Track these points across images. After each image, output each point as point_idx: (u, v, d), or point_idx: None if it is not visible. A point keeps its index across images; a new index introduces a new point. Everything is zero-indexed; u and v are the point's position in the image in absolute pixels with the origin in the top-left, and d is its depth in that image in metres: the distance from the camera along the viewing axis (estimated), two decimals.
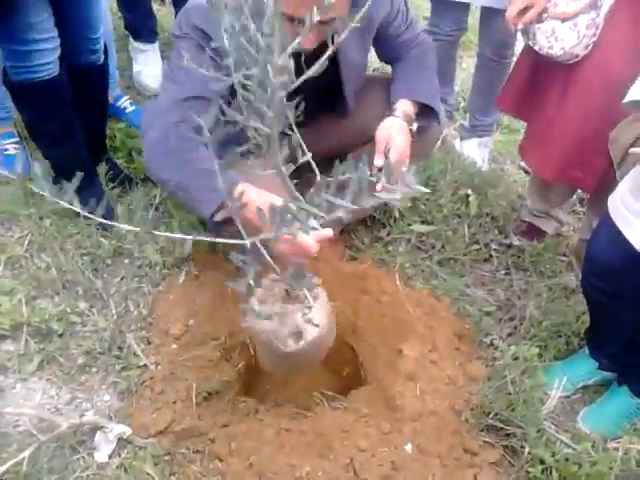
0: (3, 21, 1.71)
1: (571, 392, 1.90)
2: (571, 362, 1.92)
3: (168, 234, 1.04)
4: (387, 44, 1.87)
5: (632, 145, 1.48)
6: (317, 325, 1.39)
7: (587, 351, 1.90)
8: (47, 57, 1.79)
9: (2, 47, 1.78)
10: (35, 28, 1.72)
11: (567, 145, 1.94)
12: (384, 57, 1.98)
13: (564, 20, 1.79)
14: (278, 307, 1.39)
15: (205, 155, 1.42)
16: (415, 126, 1.84)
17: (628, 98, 1.42)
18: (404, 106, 1.82)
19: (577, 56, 1.80)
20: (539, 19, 1.86)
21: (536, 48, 1.89)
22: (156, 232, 1.01)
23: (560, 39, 1.80)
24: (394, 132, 1.75)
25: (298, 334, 1.39)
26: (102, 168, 2.24)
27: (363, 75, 1.92)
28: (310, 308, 1.39)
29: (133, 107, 2.63)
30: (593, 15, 1.74)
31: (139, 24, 2.78)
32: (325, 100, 1.86)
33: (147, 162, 1.55)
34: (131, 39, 2.87)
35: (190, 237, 1.04)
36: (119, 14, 2.95)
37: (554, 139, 1.98)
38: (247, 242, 1.08)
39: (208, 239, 1.10)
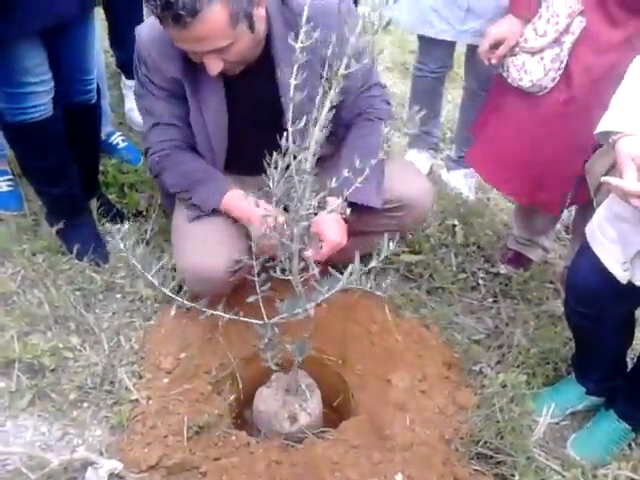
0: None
1: (560, 418, 1.91)
2: (559, 388, 1.94)
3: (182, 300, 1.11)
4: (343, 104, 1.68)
5: (605, 175, 1.53)
6: (310, 414, 1.75)
7: (574, 377, 1.93)
8: (41, 99, 1.84)
9: None
10: (30, 72, 1.77)
11: (533, 168, 2.03)
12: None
13: (533, 54, 1.91)
14: (281, 396, 1.76)
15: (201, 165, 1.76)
16: (348, 211, 1.76)
17: (599, 129, 1.48)
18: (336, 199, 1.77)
19: (545, 88, 1.92)
20: (512, 52, 1.96)
21: (509, 80, 2.00)
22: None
23: (529, 72, 1.92)
24: (326, 227, 1.70)
25: (293, 419, 1.74)
26: (94, 204, 2.27)
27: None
28: (306, 401, 1.76)
29: (125, 143, 2.68)
30: (557, 50, 1.87)
31: (131, 63, 2.83)
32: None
33: (154, 172, 1.84)
34: (123, 77, 2.93)
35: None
36: (111, 52, 3.02)
37: (521, 161, 2.06)
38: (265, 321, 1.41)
39: (224, 315, 1.42)
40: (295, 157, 1.16)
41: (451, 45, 2.59)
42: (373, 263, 1.21)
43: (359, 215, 1.77)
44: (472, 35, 2.35)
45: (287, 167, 1.18)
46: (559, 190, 2.03)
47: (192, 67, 1.60)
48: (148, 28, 1.65)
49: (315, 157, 1.17)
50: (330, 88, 1.10)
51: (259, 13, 1.50)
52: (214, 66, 1.50)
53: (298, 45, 1.13)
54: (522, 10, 1.94)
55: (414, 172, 2.07)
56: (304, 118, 1.15)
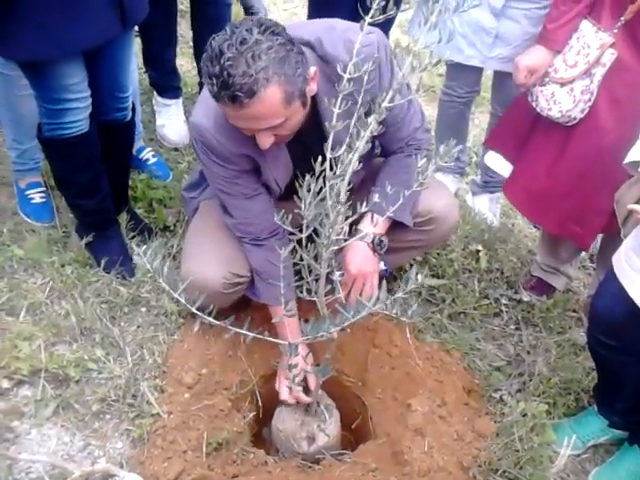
0: (41, 84, 1.82)
1: (581, 451, 1.89)
2: (580, 420, 1.91)
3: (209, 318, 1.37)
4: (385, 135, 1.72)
5: None
6: (328, 435, 1.78)
7: (596, 408, 1.90)
8: (79, 115, 1.90)
9: (39, 106, 1.89)
10: (70, 89, 1.82)
11: (567, 201, 2.02)
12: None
13: (562, 85, 1.92)
14: (300, 416, 1.80)
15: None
16: (385, 242, 1.82)
17: (628, 159, 1.49)
18: (371, 226, 1.74)
19: (574, 119, 1.92)
20: (541, 82, 1.97)
21: (538, 109, 2.01)
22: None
23: (558, 102, 1.92)
24: (350, 256, 1.77)
25: (311, 439, 1.77)
26: (123, 217, 2.32)
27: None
28: (325, 422, 1.79)
29: (155, 159, 2.73)
30: (587, 82, 1.87)
31: (164, 82, 2.91)
32: None
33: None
34: (155, 94, 2.99)
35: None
36: (143, 69, 3.09)
37: (555, 193, 2.05)
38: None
39: (251, 334, 1.43)
40: (327, 182, 1.18)
41: (479, 70, 2.60)
42: (399, 294, 1.22)
43: (389, 231, 1.81)
44: (500, 61, 2.37)
45: (319, 191, 1.20)
46: (592, 224, 2.02)
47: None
48: (204, 117, 1.64)
49: (350, 186, 1.19)
50: (369, 117, 1.13)
51: (311, 88, 1.52)
52: (266, 141, 1.52)
53: (346, 76, 1.15)
54: (553, 42, 1.95)
55: (440, 185, 2.10)
56: (343, 147, 1.17)
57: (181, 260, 1.94)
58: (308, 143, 1.64)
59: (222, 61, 1.33)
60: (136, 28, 2.61)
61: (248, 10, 3.85)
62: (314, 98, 1.60)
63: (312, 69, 1.50)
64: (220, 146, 1.65)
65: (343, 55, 1.57)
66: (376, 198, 1.39)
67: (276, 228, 1.78)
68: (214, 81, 1.36)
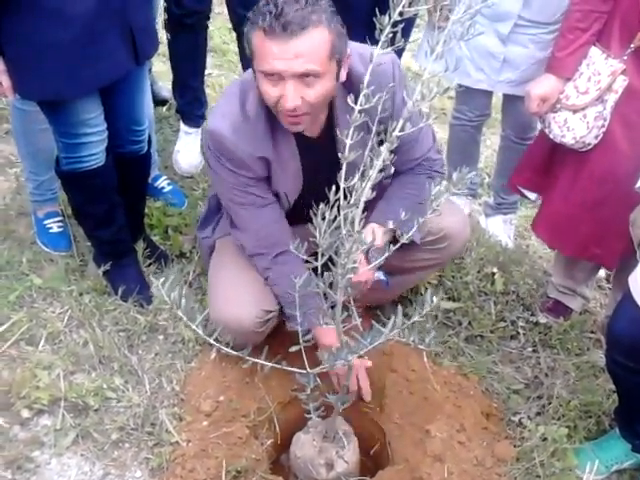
0: (59, 120, 1.87)
1: (605, 476, 1.86)
2: (602, 444, 1.88)
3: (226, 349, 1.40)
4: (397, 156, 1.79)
5: None
6: (347, 462, 1.73)
7: (618, 432, 1.88)
8: (95, 148, 1.94)
9: (56, 140, 1.94)
10: (87, 124, 1.87)
11: (586, 224, 2.02)
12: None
13: (575, 111, 1.93)
14: (318, 443, 1.75)
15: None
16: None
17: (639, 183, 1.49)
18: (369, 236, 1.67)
19: (589, 145, 1.93)
20: (553, 109, 1.99)
21: (551, 136, 2.02)
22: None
23: (572, 129, 1.94)
24: None
25: (330, 466, 1.73)
26: (140, 245, 2.35)
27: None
28: (343, 448, 1.74)
29: (170, 187, 2.76)
30: (600, 108, 1.88)
31: (188, 109, 2.96)
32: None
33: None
34: (181, 120, 3.04)
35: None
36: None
37: (572, 217, 2.05)
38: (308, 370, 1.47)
39: (268, 364, 1.44)
40: (341, 211, 1.20)
41: (488, 94, 2.62)
42: (415, 317, 1.23)
43: (401, 251, 1.80)
44: (508, 85, 2.39)
45: (334, 219, 1.21)
46: (615, 245, 2.02)
47: (273, 143, 1.67)
48: (220, 120, 1.66)
49: (364, 214, 1.21)
50: (382, 145, 1.14)
51: (345, 66, 1.56)
52: (294, 97, 1.48)
53: (357, 107, 1.17)
54: (562, 70, 1.97)
55: (449, 203, 2.09)
56: (357, 176, 1.19)
57: (209, 303, 1.94)
58: (320, 152, 1.66)
59: (278, 1, 1.39)
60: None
61: None
62: (330, 105, 1.63)
63: (348, 50, 1.53)
64: (235, 149, 1.66)
65: (358, 65, 1.60)
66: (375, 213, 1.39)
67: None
68: (267, 16, 1.39)
